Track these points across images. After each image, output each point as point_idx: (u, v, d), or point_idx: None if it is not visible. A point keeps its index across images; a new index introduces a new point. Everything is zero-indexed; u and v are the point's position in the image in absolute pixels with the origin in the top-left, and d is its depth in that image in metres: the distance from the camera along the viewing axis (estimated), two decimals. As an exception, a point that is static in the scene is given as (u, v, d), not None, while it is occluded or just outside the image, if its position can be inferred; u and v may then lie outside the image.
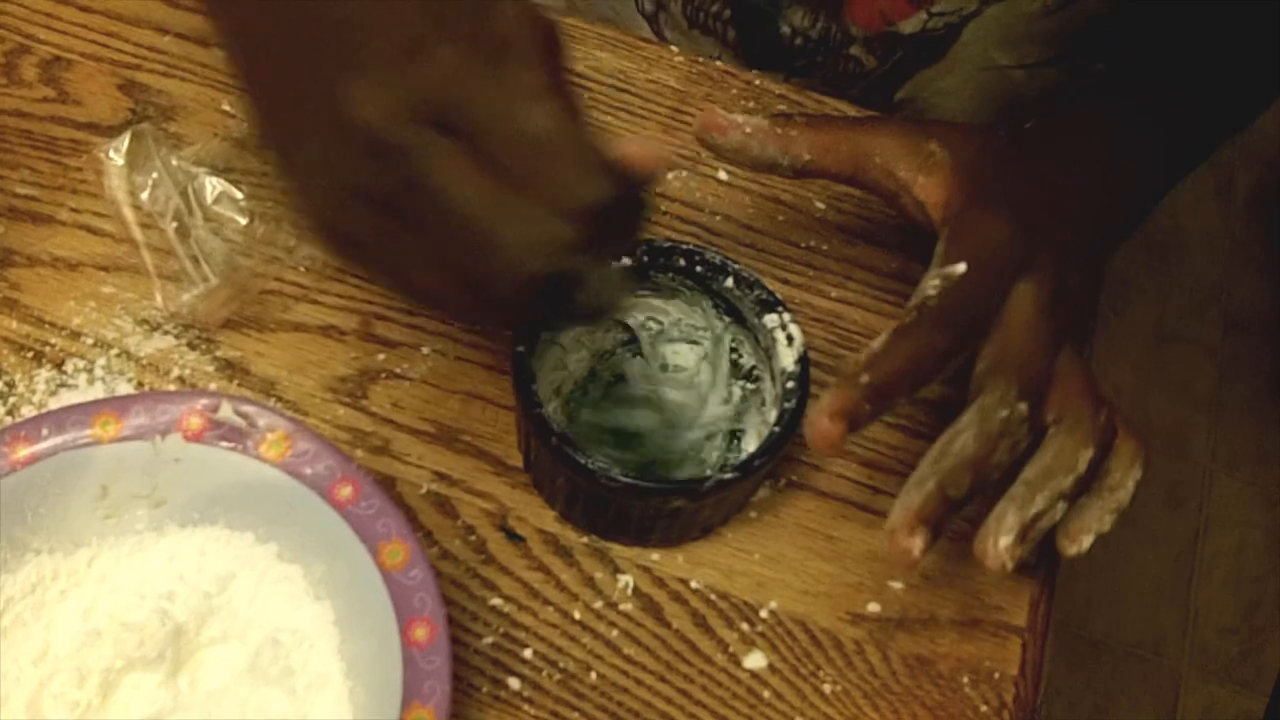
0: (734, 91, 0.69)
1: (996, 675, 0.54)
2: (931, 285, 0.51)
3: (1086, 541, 0.51)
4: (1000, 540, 0.49)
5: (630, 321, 0.58)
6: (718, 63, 0.70)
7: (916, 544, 0.47)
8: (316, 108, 0.40)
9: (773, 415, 0.53)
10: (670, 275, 0.56)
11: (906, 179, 0.56)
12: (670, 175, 0.65)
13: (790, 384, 0.53)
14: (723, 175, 0.66)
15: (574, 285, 0.42)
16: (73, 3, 0.66)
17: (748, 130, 0.56)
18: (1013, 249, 0.52)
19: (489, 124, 0.39)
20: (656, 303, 0.58)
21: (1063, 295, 0.53)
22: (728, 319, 0.57)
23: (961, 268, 0.51)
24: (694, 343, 0.59)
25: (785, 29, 0.71)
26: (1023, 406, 0.50)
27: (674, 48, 0.70)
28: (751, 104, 0.69)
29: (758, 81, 0.70)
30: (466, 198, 0.39)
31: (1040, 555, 0.57)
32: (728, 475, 0.51)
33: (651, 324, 0.58)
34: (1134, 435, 0.53)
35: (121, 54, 0.65)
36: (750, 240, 0.64)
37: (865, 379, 0.48)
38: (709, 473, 0.53)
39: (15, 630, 0.47)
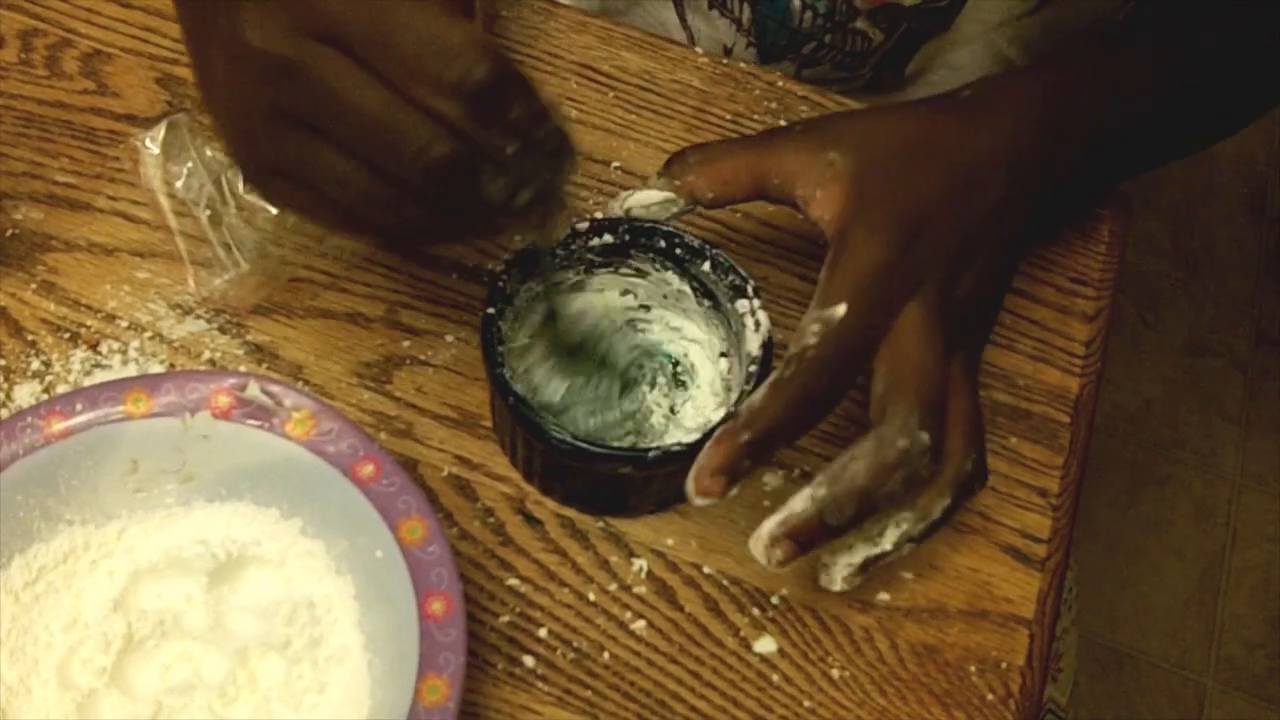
0: (756, 92, 0.70)
1: (1004, 665, 0.55)
2: (811, 331, 0.49)
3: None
4: (839, 572, 0.51)
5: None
6: (741, 64, 0.71)
7: (776, 556, 0.48)
8: (219, 37, 0.44)
9: (734, 398, 0.54)
10: (650, 256, 0.57)
11: (804, 195, 0.53)
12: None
13: (753, 368, 0.53)
14: (744, 173, 0.67)
15: (502, 177, 0.44)
16: (114, -2, 0.69)
17: (657, 201, 0.56)
18: (893, 278, 0.50)
19: (367, 30, 0.42)
20: (637, 281, 0.59)
21: (948, 301, 0.51)
22: (705, 302, 0.58)
23: (841, 310, 0.49)
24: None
25: (795, 2, 0.72)
26: (924, 437, 0.48)
27: (699, 49, 0.72)
28: (774, 104, 0.70)
29: (781, 83, 0.71)
30: (358, 99, 0.42)
31: (1051, 550, 0.58)
32: (675, 448, 0.52)
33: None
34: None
35: (159, 48, 0.67)
36: (771, 238, 0.65)
37: (745, 437, 0.47)
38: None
39: (47, 598, 0.49)
